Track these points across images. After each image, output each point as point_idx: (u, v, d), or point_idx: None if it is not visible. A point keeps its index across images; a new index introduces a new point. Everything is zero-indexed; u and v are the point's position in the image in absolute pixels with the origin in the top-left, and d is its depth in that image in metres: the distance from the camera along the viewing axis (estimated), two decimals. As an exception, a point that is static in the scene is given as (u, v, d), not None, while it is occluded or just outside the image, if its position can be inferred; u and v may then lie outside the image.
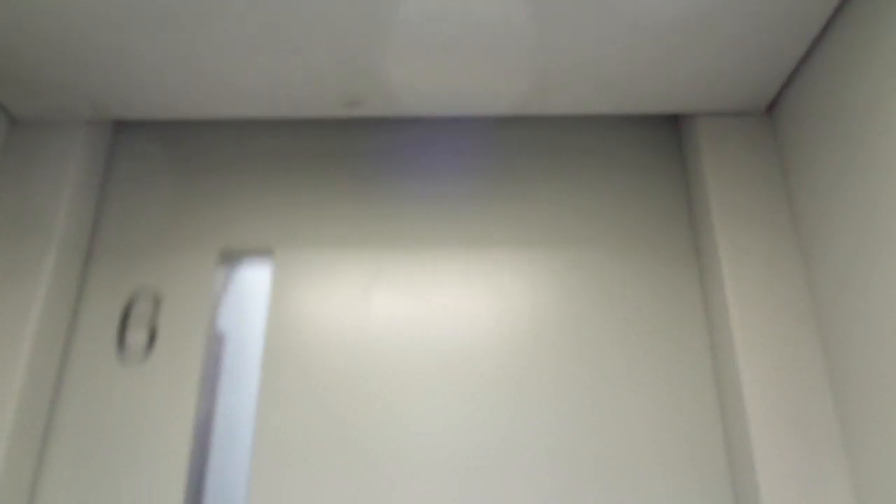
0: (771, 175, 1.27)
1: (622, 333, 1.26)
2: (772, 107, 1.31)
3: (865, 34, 1.02)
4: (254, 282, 1.34)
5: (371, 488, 1.16)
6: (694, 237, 1.34)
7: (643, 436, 1.19)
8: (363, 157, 1.41)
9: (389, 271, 1.31)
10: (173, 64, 1.16)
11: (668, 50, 1.15)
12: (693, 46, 1.14)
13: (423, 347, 1.25)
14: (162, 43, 1.11)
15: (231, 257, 1.35)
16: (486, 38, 1.10)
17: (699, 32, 1.11)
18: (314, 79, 1.19)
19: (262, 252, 1.33)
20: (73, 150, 1.29)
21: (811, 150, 1.16)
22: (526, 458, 1.18)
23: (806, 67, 1.18)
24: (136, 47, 1.12)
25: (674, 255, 1.32)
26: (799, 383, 1.13)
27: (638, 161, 1.41)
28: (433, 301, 1.29)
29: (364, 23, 1.07)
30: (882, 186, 0.97)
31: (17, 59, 1.15)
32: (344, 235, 1.34)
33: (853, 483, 1.05)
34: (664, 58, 1.16)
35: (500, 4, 1.04)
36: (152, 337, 1.25)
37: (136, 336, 1.25)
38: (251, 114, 1.30)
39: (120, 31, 1.08)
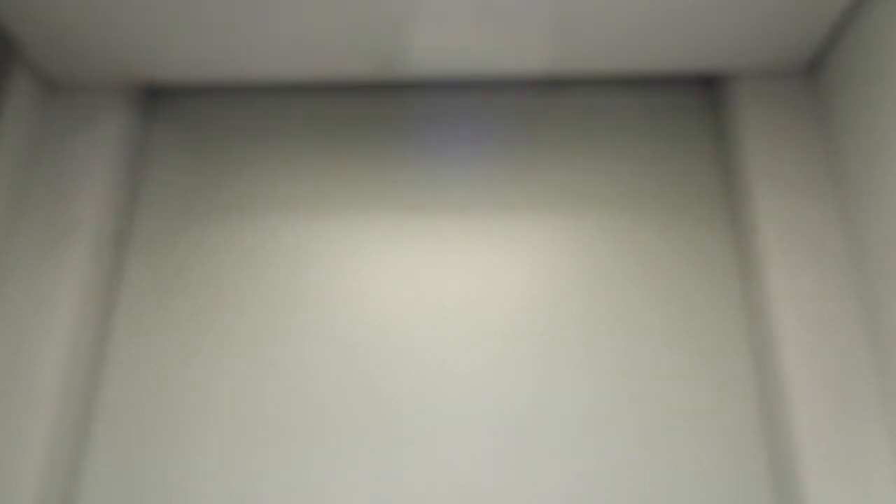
0: (812, 139, 1.24)
1: (654, 301, 1.25)
2: (813, 67, 1.27)
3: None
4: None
5: (399, 453, 1.16)
6: (729, 203, 1.31)
7: (676, 404, 1.18)
8: (391, 123, 1.41)
9: (417, 237, 1.31)
10: (207, 25, 1.16)
11: (690, 2, 1.10)
12: None
13: (452, 313, 1.25)
14: (195, 4, 1.11)
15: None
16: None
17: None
18: (349, 38, 1.19)
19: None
20: (110, 115, 1.31)
21: (858, 114, 1.12)
22: (557, 424, 1.17)
23: (851, 24, 1.14)
24: (170, 8, 1.12)
25: (708, 221, 1.30)
26: (840, 353, 1.10)
27: (671, 126, 1.38)
28: (461, 266, 1.29)
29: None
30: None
31: (53, 23, 1.16)
32: (372, 200, 1.34)
33: (893, 448, 1.03)
34: (694, 9, 1.12)
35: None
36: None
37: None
38: (286, 75, 1.30)
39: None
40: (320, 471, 1.15)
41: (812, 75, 1.28)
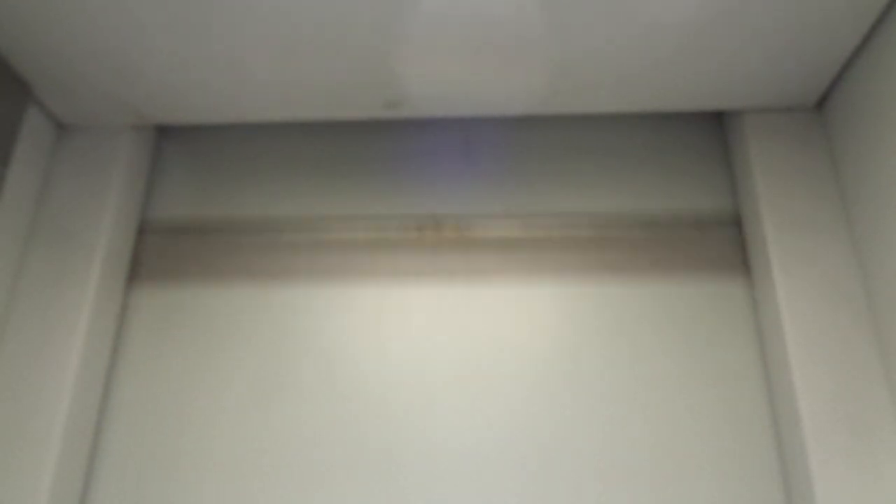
0: (822, 173, 1.23)
1: (665, 341, 1.23)
2: (822, 102, 1.26)
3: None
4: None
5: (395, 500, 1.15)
6: (740, 238, 1.30)
7: (690, 447, 1.16)
8: (394, 161, 1.41)
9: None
10: (215, 69, 1.17)
11: (700, 41, 1.09)
12: (729, 36, 1.08)
13: (467, 364, 1.24)
14: (203, 48, 1.12)
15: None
16: (509, 35, 1.08)
17: (735, 20, 1.05)
18: (354, 81, 1.19)
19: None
20: (118, 154, 1.32)
21: (867, 147, 1.11)
22: (569, 471, 1.15)
23: (859, 59, 1.13)
24: (178, 53, 1.13)
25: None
26: (856, 390, 1.08)
27: (680, 161, 1.37)
28: (476, 318, 1.28)
29: (397, 26, 1.07)
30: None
31: (63, 67, 1.18)
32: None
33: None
34: (704, 47, 1.11)
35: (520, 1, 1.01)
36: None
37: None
38: (292, 117, 1.30)
39: (162, 37, 1.10)
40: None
41: (821, 110, 1.27)
